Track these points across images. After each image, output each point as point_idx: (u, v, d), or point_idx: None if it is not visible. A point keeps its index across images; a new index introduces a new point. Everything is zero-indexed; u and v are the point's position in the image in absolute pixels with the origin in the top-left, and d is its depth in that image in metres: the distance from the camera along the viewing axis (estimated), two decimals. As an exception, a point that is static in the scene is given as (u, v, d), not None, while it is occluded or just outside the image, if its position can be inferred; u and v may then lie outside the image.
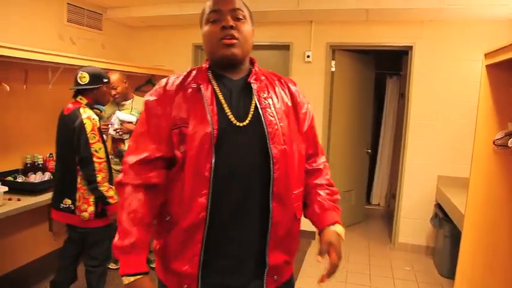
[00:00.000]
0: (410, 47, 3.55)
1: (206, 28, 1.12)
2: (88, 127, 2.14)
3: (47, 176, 2.76)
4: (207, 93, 1.10)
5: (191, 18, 3.78)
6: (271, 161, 1.07)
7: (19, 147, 2.91)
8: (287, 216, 1.13)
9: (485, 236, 2.10)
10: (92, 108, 2.28)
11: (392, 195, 5.06)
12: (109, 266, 3.05)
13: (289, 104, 1.19)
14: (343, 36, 3.72)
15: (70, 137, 2.17)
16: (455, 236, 2.97)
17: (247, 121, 1.09)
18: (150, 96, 1.16)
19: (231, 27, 1.08)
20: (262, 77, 1.19)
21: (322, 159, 1.30)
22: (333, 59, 3.87)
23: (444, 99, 3.48)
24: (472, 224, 2.14)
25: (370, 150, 4.52)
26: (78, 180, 2.20)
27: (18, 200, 2.41)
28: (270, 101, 1.14)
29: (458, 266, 2.19)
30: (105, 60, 3.19)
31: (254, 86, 1.14)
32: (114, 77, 2.92)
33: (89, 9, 3.56)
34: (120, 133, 2.97)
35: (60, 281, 2.45)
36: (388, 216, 4.72)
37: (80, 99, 2.27)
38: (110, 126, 2.93)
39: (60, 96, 3.25)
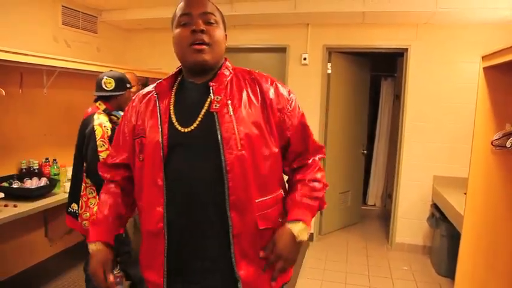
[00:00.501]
0: (406, 49, 3.59)
1: (176, 31, 1.09)
2: (98, 134, 2.06)
3: (43, 181, 2.73)
4: (164, 102, 1.11)
5: (187, 20, 3.79)
6: (224, 169, 1.02)
7: (14, 152, 2.88)
8: (249, 227, 1.06)
9: (485, 235, 2.13)
10: (109, 114, 2.22)
11: (388, 195, 5.11)
12: None
13: (257, 103, 1.10)
14: (340, 39, 3.75)
15: (81, 143, 2.14)
16: (452, 235, 3.02)
17: (192, 127, 1.06)
18: (125, 109, 1.24)
19: (202, 31, 1.05)
20: (227, 78, 1.13)
21: (312, 156, 1.20)
22: (329, 61, 3.89)
23: (439, 101, 3.53)
24: (472, 224, 2.16)
25: (365, 151, 4.55)
26: (83, 187, 2.17)
27: (15, 206, 2.38)
28: (229, 103, 1.07)
29: (458, 266, 2.22)
30: (101, 63, 3.17)
31: (211, 90, 1.09)
32: (130, 78, 2.91)
33: (83, 11, 3.53)
34: None
35: None
36: (385, 217, 4.75)
37: (99, 104, 2.21)
38: None
39: (56, 100, 3.23)
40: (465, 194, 2.35)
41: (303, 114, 1.19)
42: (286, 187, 1.24)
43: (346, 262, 3.44)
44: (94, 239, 1.15)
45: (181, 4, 1.10)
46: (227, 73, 1.14)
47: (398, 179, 3.74)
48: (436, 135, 3.57)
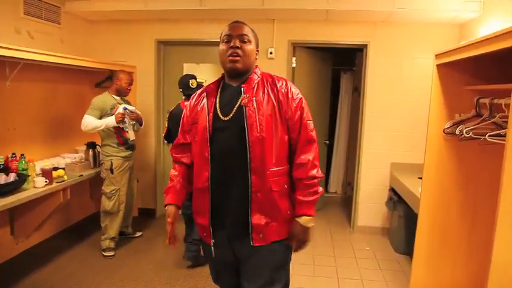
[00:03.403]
0: (365, 45, 3.83)
1: (221, 47, 1.53)
2: None
3: (12, 176, 2.64)
4: (210, 100, 1.57)
5: (155, 13, 3.77)
6: (247, 145, 1.45)
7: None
8: (265, 187, 1.46)
9: (440, 215, 2.38)
10: None
11: (348, 183, 5.41)
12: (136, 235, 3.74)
13: (274, 100, 1.51)
14: (304, 35, 3.91)
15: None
16: (408, 216, 3.31)
17: (229, 116, 1.50)
18: (187, 104, 1.70)
19: (236, 47, 1.48)
20: (255, 81, 1.54)
21: (307, 155, 1.52)
22: (294, 56, 4.05)
23: (396, 93, 3.81)
24: (427, 205, 2.41)
25: (327, 141, 4.79)
26: None
27: (-16, 203, 2.30)
28: (254, 99, 1.49)
29: (416, 244, 2.46)
30: (64, 55, 3.09)
31: (242, 90, 1.51)
32: (124, 76, 3.34)
33: (46, 1, 3.40)
34: (132, 122, 3.36)
35: None
36: (345, 203, 5.05)
37: (185, 99, 3.00)
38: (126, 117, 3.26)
39: (20, 94, 3.11)
40: (420, 178, 2.61)
41: (303, 110, 1.54)
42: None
43: (312, 245, 3.65)
44: (168, 202, 1.61)
45: (226, 28, 1.53)
46: (255, 77, 1.56)
47: (359, 166, 4.00)
48: (393, 125, 3.85)
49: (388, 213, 3.93)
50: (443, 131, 2.31)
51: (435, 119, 2.36)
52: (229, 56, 1.48)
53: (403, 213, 3.44)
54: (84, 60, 3.37)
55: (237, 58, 1.48)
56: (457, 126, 2.19)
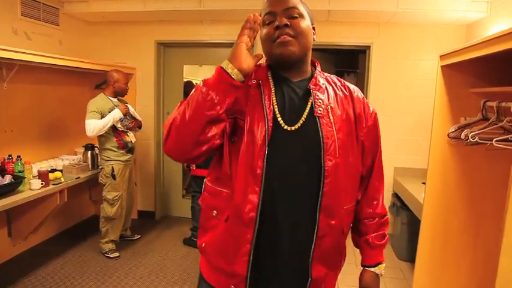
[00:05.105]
0: (368, 47, 3.76)
1: (263, 31, 1.08)
2: None
3: (8, 178, 2.60)
4: (265, 90, 1.08)
5: (155, 15, 3.73)
6: (323, 174, 1.02)
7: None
8: (334, 231, 1.09)
9: (442, 220, 2.30)
10: None
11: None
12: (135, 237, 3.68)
13: (351, 112, 1.13)
14: (306, 35, 3.84)
15: None
16: (411, 223, 3.23)
17: (297, 126, 1.05)
18: None
19: (285, 25, 1.03)
20: (323, 82, 1.14)
21: (380, 187, 1.24)
22: (296, 57, 3.99)
23: (399, 96, 3.73)
24: (430, 210, 2.33)
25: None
26: None
27: (-21, 205, 2.27)
28: (329, 108, 1.08)
29: (419, 251, 2.38)
30: (63, 56, 3.06)
31: (313, 92, 1.09)
32: (119, 75, 3.26)
33: (44, 2, 3.37)
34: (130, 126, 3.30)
35: None
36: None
37: None
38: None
39: (17, 96, 3.08)
40: (424, 183, 2.53)
41: (379, 130, 1.23)
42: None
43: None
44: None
45: (267, 3, 1.11)
46: (321, 75, 1.16)
47: (362, 170, 3.91)
48: (397, 129, 3.77)
49: (391, 218, 3.84)
50: (448, 135, 2.23)
51: (439, 122, 2.28)
52: (276, 39, 1.04)
53: (406, 220, 3.35)
54: (83, 61, 3.34)
55: (289, 39, 1.04)
56: (462, 130, 2.11)
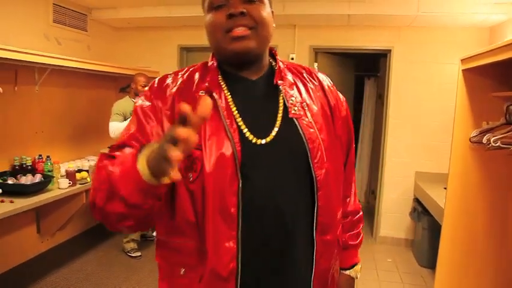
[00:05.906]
0: (389, 51, 3.74)
1: (209, 17, 0.83)
2: None
3: (38, 177, 2.74)
4: (221, 101, 0.82)
5: (178, 20, 3.84)
6: (315, 187, 0.83)
7: (6, 149, 2.88)
8: (329, 247, 0.90)
9: (464, 226, 2.27)
10: None
11: (371, 191, 5.28)
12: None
13: (326, 106, 0.93)
14: (326, 40, 3.87)
15: None
16: (432, 228, 3.18)
17: (271, 136, 0.82)
18: (142, 100, 0.87)
19: (242, 14, 0.79)
20: (289, 74, 0.92)
21: (353, 183, 1.09)
22: (316, 61, 4.01)
23: (420, 100, 3.69)
24: (451, 215, 2.30)
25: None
26: None
27: (11, 202, 2.39)
28: (304, 106, 0.87)
29: (439, 257, 2.35)
30: (91, 61, 3.20)
31: (282, 88, 0.87)
32: (141, 79, 3.30)
33: (73, 9, 3.53)
34: None
35: None
36: (368, 212, 4.90)
37: None
38: None
39: (47, 98, 3.23)
40: (445, 188, 2.51)
41: (351, 120, 1.04)
42: None
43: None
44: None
45: None
46: (284, 65, 0.93)
47: (382, 175, 3.89)
48: (418, 133, 3.73)
49: (412, 224, 3.79)
50: (470, 140, 2.21)
51: (461, 127, 2.26)
52: (229, 32, 0.80)
53: (427, 225, 3.30)
54: (110, 66, 3.48)
55: (247, 32, 0.80)
56: (484, 135, 2.08)
